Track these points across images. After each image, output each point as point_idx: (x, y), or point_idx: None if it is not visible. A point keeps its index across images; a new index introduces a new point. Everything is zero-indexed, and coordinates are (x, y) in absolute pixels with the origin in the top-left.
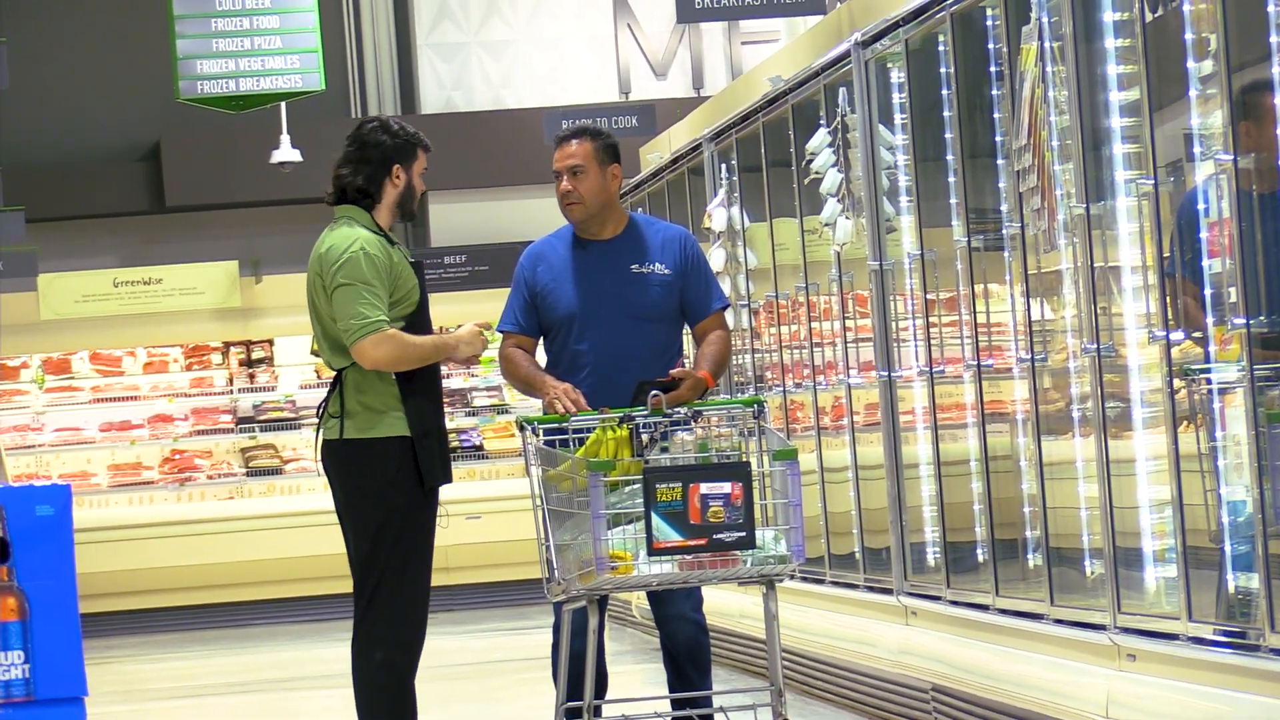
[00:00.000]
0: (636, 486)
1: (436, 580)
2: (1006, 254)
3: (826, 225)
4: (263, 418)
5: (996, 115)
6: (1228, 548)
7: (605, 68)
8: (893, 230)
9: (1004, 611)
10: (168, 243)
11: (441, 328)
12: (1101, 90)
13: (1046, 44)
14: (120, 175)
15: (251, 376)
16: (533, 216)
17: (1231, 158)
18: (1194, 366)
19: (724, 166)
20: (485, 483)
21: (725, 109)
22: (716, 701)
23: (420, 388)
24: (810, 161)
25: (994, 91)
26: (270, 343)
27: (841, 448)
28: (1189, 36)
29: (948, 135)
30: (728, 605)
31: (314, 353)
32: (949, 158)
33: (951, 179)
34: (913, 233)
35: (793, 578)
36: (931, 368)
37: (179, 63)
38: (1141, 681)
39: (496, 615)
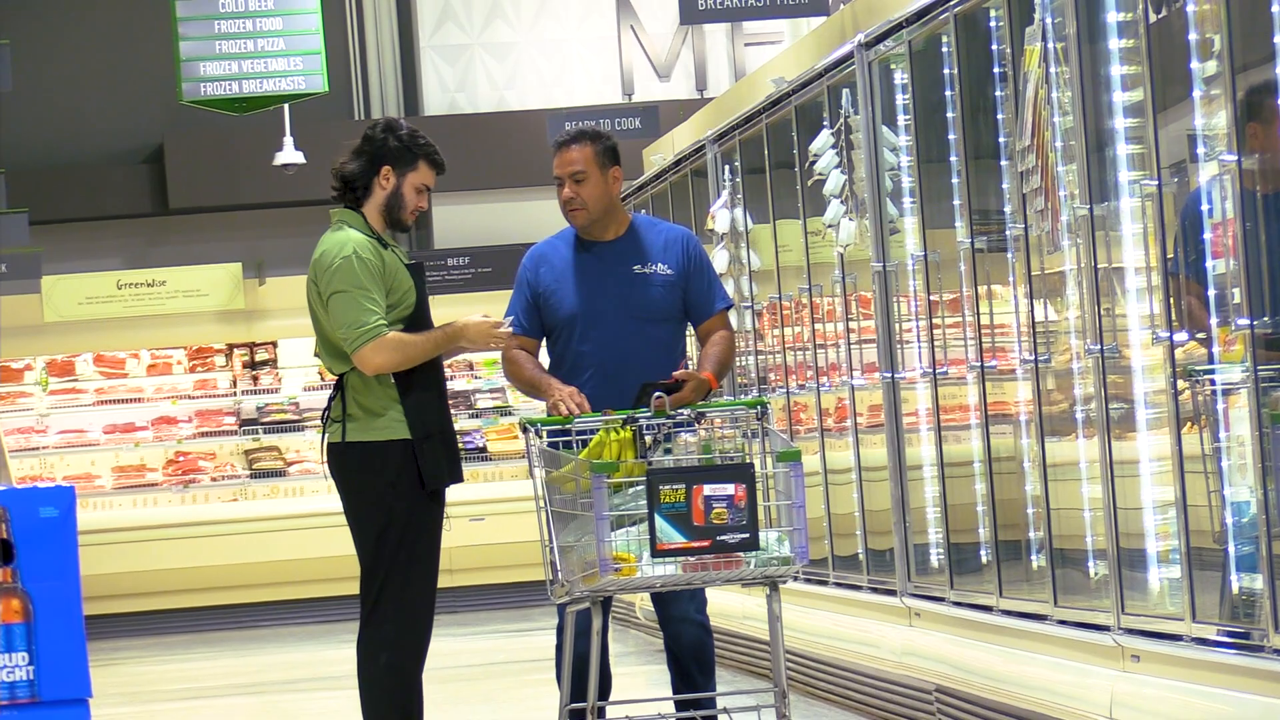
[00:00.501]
0: (640, 488)
1: (440, 582)
2: (1010, 255)
3: (830, 227)
4: (266, 420)
5: (1000, 116)
6: (1231, 549)
7: (608, 69)
8: (896, 232)
9: (1008, 613)
10: (171, 245)
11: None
12: (1105, 91)
13: (1050, 45)
14: (124, 177)
15: (255, 378)
16: (536, 218)
17: (1235, 158)
18: (1198, 367)
19: (727, 168)
20: (489, 484)
21: (728, 110)
22: (720, 703)
23: (420, 384)
24: (813, 163)
25: (997, 92)
26: (274, 345)
27: (845, 449)
28: (1192, 37)
29: (951, 136)
30: (731, 607)
31: (317, 355)
32: (952, 159)
33: (955, 180)
34: (916, 234)
35: (796, 579)
36: (935, 369)
37: (182, 65)
38: (1145, 682)
39: (500, 617)
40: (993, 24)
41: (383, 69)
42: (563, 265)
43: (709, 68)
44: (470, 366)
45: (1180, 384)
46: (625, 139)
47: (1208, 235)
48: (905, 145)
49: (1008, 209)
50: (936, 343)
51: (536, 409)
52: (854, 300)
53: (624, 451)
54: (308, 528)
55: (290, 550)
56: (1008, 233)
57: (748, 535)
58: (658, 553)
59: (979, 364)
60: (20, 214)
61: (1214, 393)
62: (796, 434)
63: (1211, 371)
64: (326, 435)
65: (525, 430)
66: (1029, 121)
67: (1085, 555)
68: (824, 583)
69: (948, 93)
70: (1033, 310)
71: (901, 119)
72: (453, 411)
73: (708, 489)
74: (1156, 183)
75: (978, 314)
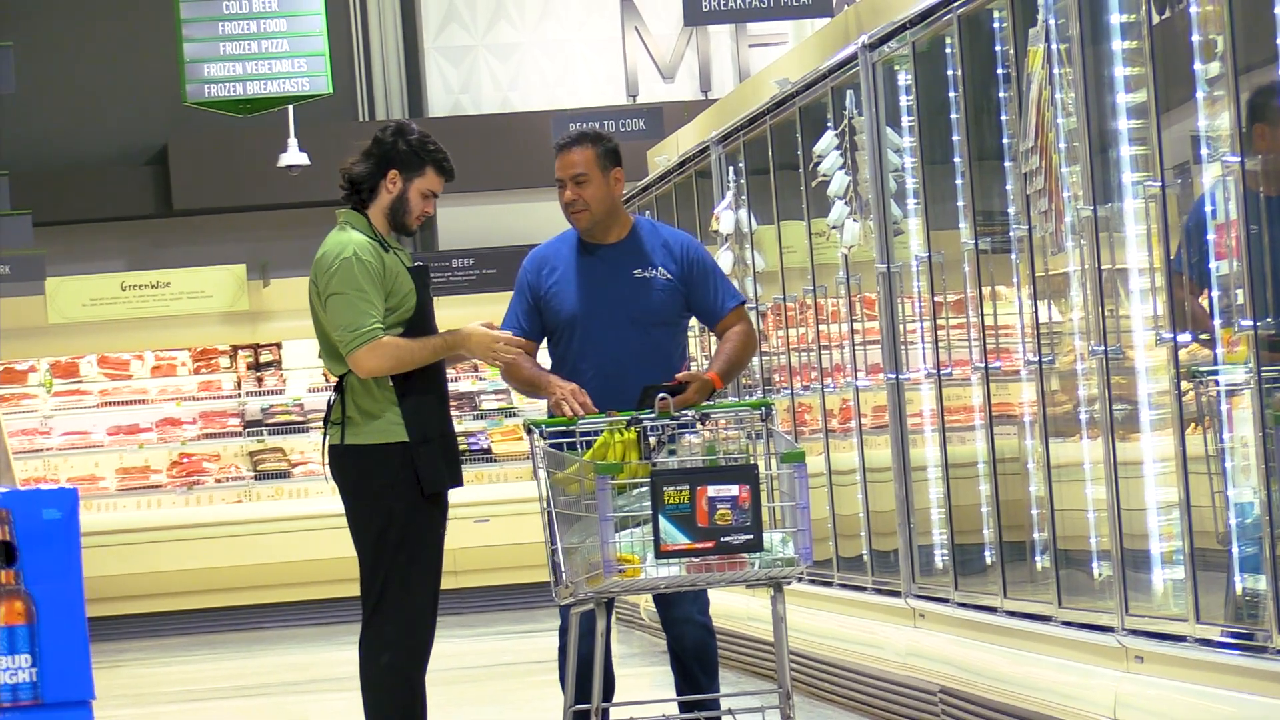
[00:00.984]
0: (644, 489)
1: (444, 583)
2: (1014, 256)
3: (834, 228)
4: (270, 421)
5: (1004, 117)
6: (1235, 550)
7: (613, 70)
8: (900, 233)
9: (1012, 614)
10: (175, 246)
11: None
12: (1108, 92)
13: (1053, 46)
14: (128, 178)
15: (259, 380)
16: (540, 219)
17: (1239, 159)
18: (1201, 368)
19: (731, 169)
20: (493, 486)
21: (732, 111)
22: (724, 704)
23: (419, 387)
24: (818, 164)
25: (1001, 94)
26: (278, 346)
27: (849, 450)
28: (1196, 38)
29: (955, 137)
30: (735, 608)
31: (321, 356)
32: (956, 160)
33: (959, 181)
34: (920, 235)
35: (800, 580)
36: (939, 370)
37: (186, 66)
38: (1149, 683)
39: (504, 618)
40: (996, 25)
41: (387, 70)
42: (564, 267)
43: (713, 69)
44: (475, 368)
45: (1184, 385)
46: (629, 140)
47: (1211, 236)
48: (909, 146)
49: (1011, 210)
50: (941, 344)
51: (541, 410)
52: (858, 301)
53: (628, 453)
54: (312, 529)
55: (294, 552)
56: (1011, 234)
57: (752, 536)
58: (662, 554)
59: (983, 365)
60: (24, 215)
61: (1217, 394)
62: (801, 435)
63: (1215, 372)
64: (327, 437)
65: (529, 432)
66: (1032, 123)
67: (1089, 556)
68: (828, 584)
69: (951, 94)
70: (1036, 311)
71: (905, 120)
72: (457, 413)
73: (712, 490)
74: (1160, 184)
75: (982, 315)
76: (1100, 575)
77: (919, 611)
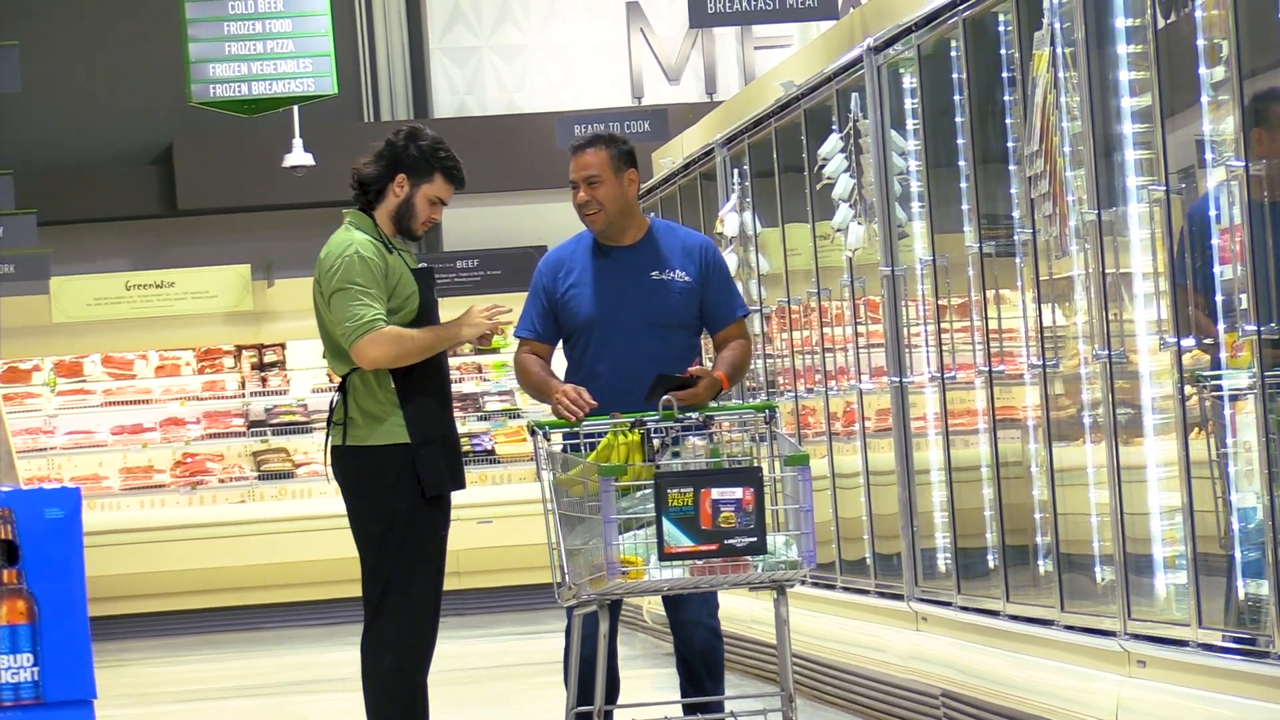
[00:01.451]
0: (648, 491)
1: (447, 584)
2: (1018, 260)
3: (838, 230)
4: (274, 421)
5: (1008, 121)
6: (1238, 554)
7: (618, 72)
8: (904, 236)
9: (1014, 617)
10: (180, 246)
11: None
12: (1113, 96)
13: (1059, 50)
14: (132, 178)
15: (263, 380)
16: (545, 221)
17: (1243, 164)
18: (1205, 373)
19: (736, 171)
20: (497, 487)
21: (738, 114)
22: (727, 706)
23: (421, 388)
24: (822, 167)
25: (1006, 97)
26: (282, 346)
27: (853, 453)
28: (1201, 42)
29: (960, 141)
30: (738, 610)
31: (325, 356)
32: (961, 163)
33: (963, 184)
34: (924, 238)
35: (804, 583)
36: (943, 373)
37: (191, 66)
38: (1151, 688)
39: (507, 620)
40: (1001, 29)
41: (392, 71)
42: (581, 270)
43: (718, 71)
44: (479, 369)
45: (1187, 389)
46: (634, 142)
47: (1215, 240)
48: (914, 149)
49: (1016, 214)
50: (944, 347)
51: (545, 412)
52: (862, 304)
53: (632, 454)
54: (315, 529)
55: (298, 552)
56: (1016, 237)
57: (755, 539)
58: (665, 556)
59: (987, 369)
60: (29, 215)
61: (1221, 398)
62: (804, 438)
63: (1219, 377)
64: (329, 438)
65: (533, 433)
66: (1037, 126)
67: (1092, 560)
68: (831, 587)
69: (956, 97)
70: (1041, 315)
71: (910, 123)
72: (461, 414)
73: (716, 492)
74: (1164, 188)
75: (986, 319)
76: (1103, 579)
77: (921, 615)
